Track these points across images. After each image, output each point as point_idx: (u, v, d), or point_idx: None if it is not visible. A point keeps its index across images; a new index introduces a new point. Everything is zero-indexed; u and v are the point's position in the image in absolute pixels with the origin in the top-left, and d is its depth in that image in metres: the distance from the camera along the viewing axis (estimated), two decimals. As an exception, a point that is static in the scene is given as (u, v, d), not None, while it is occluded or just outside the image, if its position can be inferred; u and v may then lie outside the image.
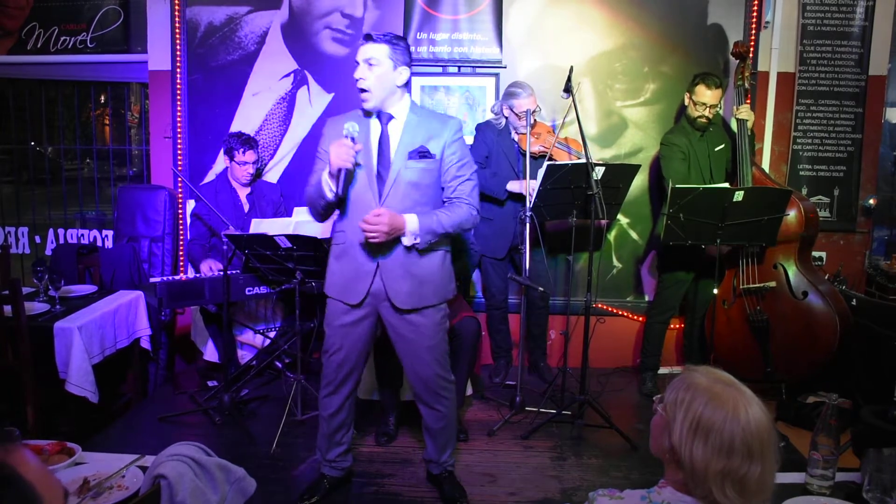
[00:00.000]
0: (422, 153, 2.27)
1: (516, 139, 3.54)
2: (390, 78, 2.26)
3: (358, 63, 2.25)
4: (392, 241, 2.27)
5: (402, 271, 2.31)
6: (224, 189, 3.68)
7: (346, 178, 2.27)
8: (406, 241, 2.25)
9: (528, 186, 3.23)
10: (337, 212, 2.41)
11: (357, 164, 2.27)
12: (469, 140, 3.74)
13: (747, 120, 3.40)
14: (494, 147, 3.54)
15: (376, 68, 2.23)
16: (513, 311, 3.87)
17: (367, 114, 2.35)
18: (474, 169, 2.40)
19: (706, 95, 3.39)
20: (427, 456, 2.62)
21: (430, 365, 2.40)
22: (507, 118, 3.53)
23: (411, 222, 2.23)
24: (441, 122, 2.34)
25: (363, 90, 2.26)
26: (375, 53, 2.23)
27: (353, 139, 2.21)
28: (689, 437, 1.18)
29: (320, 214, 2.39)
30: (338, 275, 2.41)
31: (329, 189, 2.25)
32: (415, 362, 2.41)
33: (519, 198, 3.39)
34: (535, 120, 3.49)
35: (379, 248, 2.29)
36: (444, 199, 2.37)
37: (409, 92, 2.39)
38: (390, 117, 2.33)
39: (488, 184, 3.49)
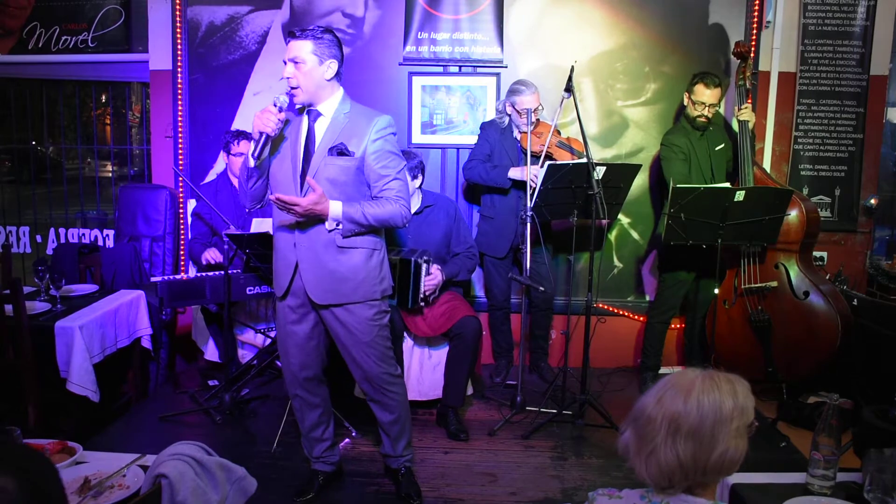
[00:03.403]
0: (340, 150, 2.27)
1: (518, 137, 3.54)
2: (318, 73, 2.27)
3: (286, 62, 2.28)
4: (312, 235, 2.29)
5: (319, 266, 2.30)
6: (225, 187, 3.68)
7: (266, 144, 2.27)
8: (328, 224, 2.25)
9: (529, 173, 3.25)
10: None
11: (284, 138, 2.32)
12: (472, 139, 3.76)
13: (749, 121, 3.40)
14: (497, 145, 3.54)
15: (302, 66, 2.25)
16: (516, 311, 3.87)
17: (301, 110, 2.38)
18: (401, 167, 2.35)
19: (705, 95, 3.39)
20: (382, 450, 2.62)
21: (372, 361, 2.40)
22: (509, 116, 3.53)
23: (335, 207, 2.23)
24: (367, 120, 2.31)
25: (292, 86, 2.28)
26: (299, 52, 2.25)
27: (280, 109, 2.23)
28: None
29: (246, 192, 2.39)
30: (274, 267, 2.45)
31: (251, 155, 2.27)
32: (355, 358, 2.40)
33: (522, 186, 3.37)
34: (537, 119, 3.49)
35: (299, 241, 2.30)
36: (372, 198, 2.35)
37: (341, 83, 2.36)
38: (318, 115, 2.34)
39: (490, 175, 3.49)
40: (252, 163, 2.28)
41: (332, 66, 2.28)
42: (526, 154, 3.31)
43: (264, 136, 2.24)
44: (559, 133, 3.61)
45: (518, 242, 3.51)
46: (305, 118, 2.35)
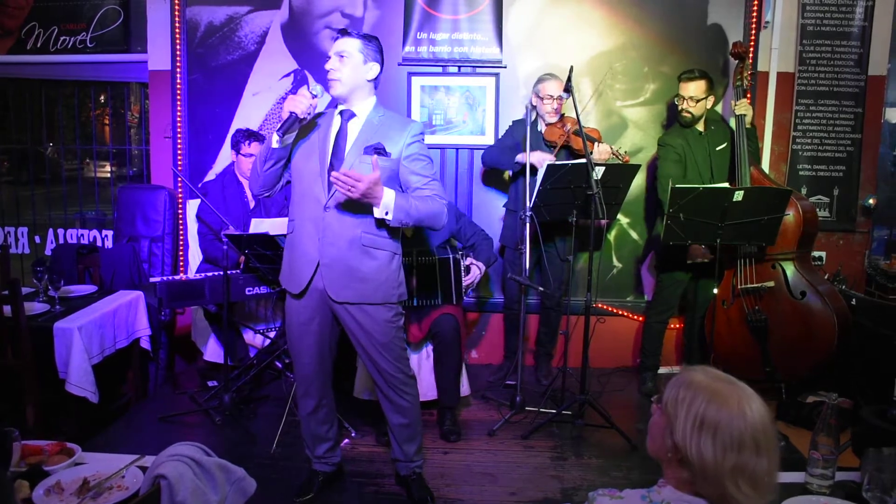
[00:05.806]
0: (377, 149, 2.29)
1: (542, 131, 3.58)
2: (360, 71, 2.32)
3: (330, 56, 2.32)
4: (338, 233, 2.28)
5: (344, 266, 2.30)
6: (231, 184, 3.66)
7: (293, 127, 2.27)
8: (377, 212, 2.23)
9: (536, 157, 3.33)
10: (291, 202, 2.43)
11: (315, 125, 2.33)
12: (472, 139, 3.77)
13: (745, 114, 3.41)
14: (522, 140, 3.56)
15: (347, 60, 2.30)
16: (533, 312, 3.93)
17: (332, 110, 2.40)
18: (435, 172, 2.40)
19: (687, 89, 3.45)
20: (393, 455, 2.61)
21: (388, 361, 2.41)
22: (535, 108, 3.58)
23: (388, 195, 2.22)
24: (401, 125, 2.36)
25: (332, 78, 2.31)
26: (347, 47, 2.30)
27: (315, 96, 2.25)
28: (694, 435, 1.19)
29: (259, 176, 2.36)
30: (287, 263, 2.44)
31: (275, 139, 2.26)
32: (371, 357, 2.41)
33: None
34: (563, 113, 3.58)
35: (324, 239, 2.29)
36: None
37: (376, 90, 2.41)
38: (352, 115, 2.36)
39: (500, 158, 3.58)
40: (276, 143, 2.28)
41: (373, 69, 2.34)
42: (549, 147, 3.39)
43: (293, 117, 2.24)
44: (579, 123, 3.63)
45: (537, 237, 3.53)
46: (337, 117, 2.37)
